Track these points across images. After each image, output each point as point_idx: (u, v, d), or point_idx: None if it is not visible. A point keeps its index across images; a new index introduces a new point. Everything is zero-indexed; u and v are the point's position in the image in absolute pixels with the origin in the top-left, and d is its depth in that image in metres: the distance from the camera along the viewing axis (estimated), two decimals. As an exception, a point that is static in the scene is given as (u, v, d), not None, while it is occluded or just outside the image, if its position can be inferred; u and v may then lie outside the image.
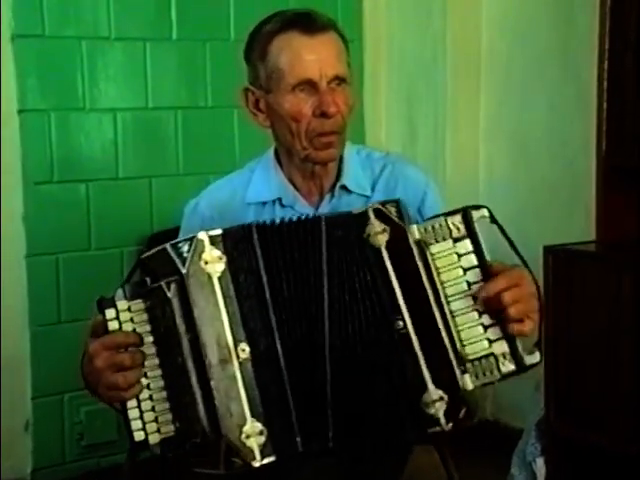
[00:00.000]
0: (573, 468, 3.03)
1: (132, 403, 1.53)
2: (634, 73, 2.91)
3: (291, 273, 1.57)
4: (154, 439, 1.53)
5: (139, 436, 1.52)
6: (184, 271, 1.51)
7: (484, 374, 1.52)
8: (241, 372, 1.50)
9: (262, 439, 1.50)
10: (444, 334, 1.51)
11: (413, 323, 1.51)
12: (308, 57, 1.78)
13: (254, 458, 1.50)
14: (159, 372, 1.53)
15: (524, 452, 3.13)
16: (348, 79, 1.83)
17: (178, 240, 1.54)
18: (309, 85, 1.79)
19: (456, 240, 1.54)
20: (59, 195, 3.22)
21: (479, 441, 3.44)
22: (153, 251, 1.56)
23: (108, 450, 3.30)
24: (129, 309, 1.54)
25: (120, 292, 1.54)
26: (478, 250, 1.54)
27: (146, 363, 1.53)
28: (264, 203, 1.92)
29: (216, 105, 3.44)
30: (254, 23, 1.90)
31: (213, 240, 1.53)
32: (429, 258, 1.53)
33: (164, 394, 1.53)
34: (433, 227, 1.55)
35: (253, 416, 1.50)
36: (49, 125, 3.18)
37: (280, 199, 1.91)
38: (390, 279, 1.52)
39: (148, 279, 1.54)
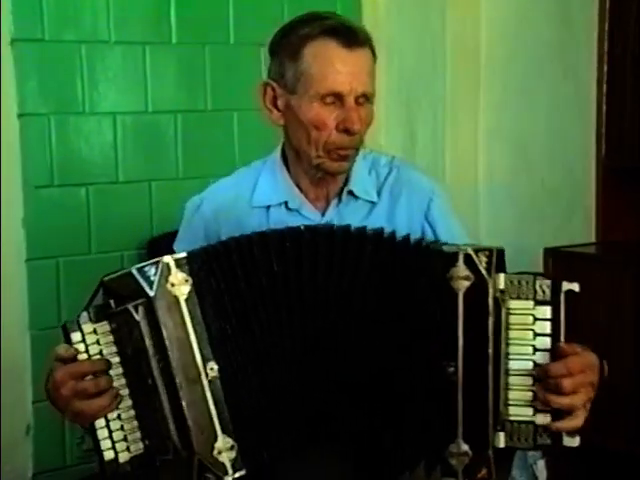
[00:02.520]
0: (574, 470, 3.03)
1: (100, 423, 1.56)
2: (633, 75, 2.92)
3: (291, 291, 1.57)
4: (124, 457, 1.56)
5: (109, 455, 1.56)
6: (152, 294, 1.51)
7: (519, 439, 1.52)
8: (211, 390, 1.53)
9: (233, 454, 1.54)
10: (490, 395, 1.50)
11: (464, 374, 1.50)
12: (342, 70, 1.75)
13: (226, 473, 1.54)
14: (127, 392, 1.56)
15: (525, 454, 3.13)
16: (372, 98, 1.81)
17: (143, 264, 1.54)
18: (337, 97, 1.76)
19: (538, 303, 1.51)
20: (59, 199, 3.21)
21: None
22: (117, 274, 1.56)
23: (109, 454, 3.30)
24: (95, 331, 1.55)
25: (85, 315, 1.55)
26: (556, 320, 1.52)
27: (114, 383, 1.55)
28: (269, 207, 1.90)
29: (216, 108, 3.44)
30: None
31: (178, 263, 1.54)
32: (503, 314, 1.50)
33: (132, 413, 1.56)
34: (519, 282, 1.51)
35: (224, 432, 1.54)
36: (49, 129, 3.18)
37: (286, 202, 1.89)
38: (457, 325, 1.50)
39: (112, 301, 1.55)
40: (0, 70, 3.05)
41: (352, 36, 1.77)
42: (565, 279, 2.90)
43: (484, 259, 1.51)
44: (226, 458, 1.53)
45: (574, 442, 1.53)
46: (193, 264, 1.55)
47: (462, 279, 1.50)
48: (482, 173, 3.80)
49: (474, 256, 1.51)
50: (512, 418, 1.51)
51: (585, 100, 3.19)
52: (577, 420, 1.52)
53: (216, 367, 1.54)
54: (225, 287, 1.56)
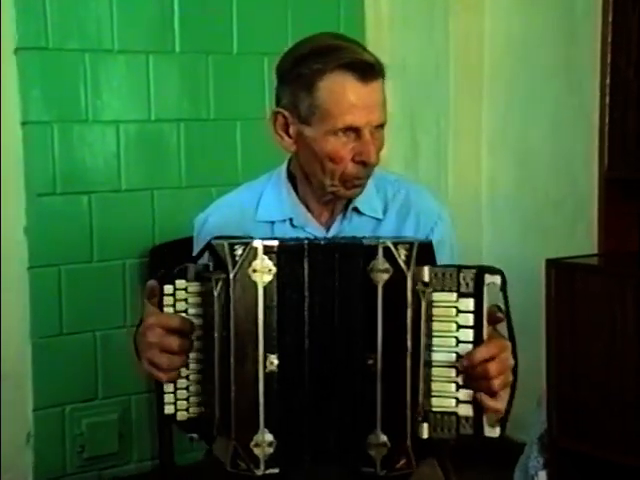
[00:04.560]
0: (575, 482, 3.03)
1: None
2: (636, 88, 2.92)
3: (322, 295, 1.59)
4: (182, 416, 1.59)
5: (169, 409, 1.58)
6: (231, 275, 1.54)
7: (442, 429, 1.55)
8: (265, 382, 1.54)
9: (270, 450, 1.55)
10: (409, 387, 1.53)
11: (383, 366, 1.53)
12: (359, 104, 1.76)
13: (258, 467, 1.54)
14: (200, 356, 1.58)
15: (526, 466, 3.13)
16: (385, 124, 1.83)
17: (237, 240, 1.56)
18: (353, 131, 1.78)
19: (461, 295, 1.54)
20: (62, 207, 3.21)
21: (481, 454, 3.44)
22: (220, 240, 1.58)
23: (109, 462, 3.30)
24: (186, 289, 1.58)
25: (183, 271, 1.59)
26: (478, 312, 1.54)
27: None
28: (273, 222, 1.92)
29: (219, 117, 3.44)
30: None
31: (267, 250, 1.55)
32: (423, 307, 1.53)
33: (200, 377, 1.58)
34: (444, 274, 1.54)
35: (267, 426, 1.54)
36: (52, 137, 3.18)
37: (291, 219, 1.90)
38: (377, 317, 1.54)
39: (211, 264, 1.57)
40: (3, 78, 3.06)
41: (368, 70, 1.77)
42: (568, 291, 2.93)
43: (403, 252, 1.53)
44: (261, 453, 1.54)
45: (495, 432, 1.55)
46: (282, 255, 1.56)
47: (381, 272, 1.53)
48: (485, 185, 3.80)
49: (393, 249, 1.54)
50: (435, 409, 1.54)
51: (588, 112, 3.19)
52: (501, 403, 1.54)
53: (276, 362, 1.54)
54: (307, 284, 1.57)
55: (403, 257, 1.53)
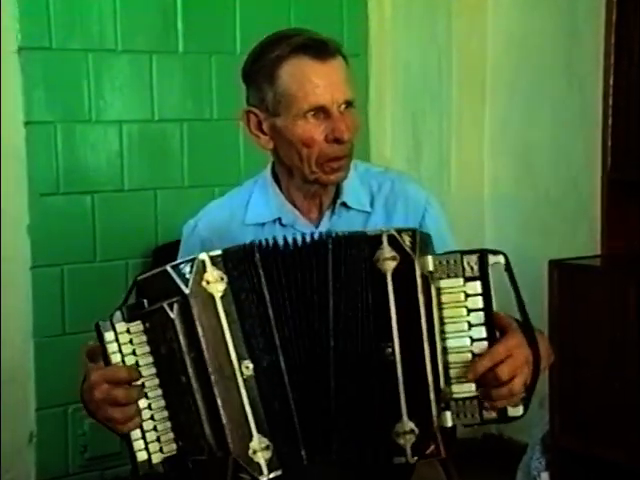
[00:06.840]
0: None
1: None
2: (639, 89, 2.92)
3: (294, 292, 1.58)
4: (157, 458, 1.55)
5: (142, 456, 1.54)
6: (187, 291, 1.52)
7: (465, 415, 1.53)
8: (246, 389, 1.53)
9: (268, 454, 1.54)
10: (429, 370, 1.52)
11: (401, 353, 1.53)
12: (320, 83, 1.78)
13: (262, 473, 1.53)
14: (160, 392, 1.55)
15: (529, 466, 3.13)
16: (354, 102, 1.84)
17: (179, 262, 1.55)
18: (321, 111, 1.79)
19: (467, 279, 1.53)
20: (64, 206, 3.22)
21: (484, 455, 3.44)
22: (151, 273, 1.56)
23: (112, 462, 3.29)
24: (128, 331, 1.54)
25: (118, 314, 1.54)
26: (486, 294, 1.53)
27: (147, 384, 1.55)
28: (263, 224, 1.92)
29: (221, 118, 3.45)
30: (260, 37, 1.89)
31: (214, 260, 1.54)
32: (433, 293, 1.53)
33: (165, 413, 1.55)
34: (447, 261, 1.54)
35: (259, 432, 1.54)
36: (55, 137, 3.19)
37: (280, 219, 1.91)
38: (389, 306, 1.53)
39: (145, 301, 1.55)
40: (4, 78, 3.06)
41: (322, 48, 1.79)
42: (570, 292, 2.93)
43: (408, 239, 1.54)
44: (261, 458, 1.53)
45: (518, 411, 1.54)
46: (228, 262, 1.55)
47: (388, 260, 1.53)
48: (487, 184, 3.80)
49: (397, 236, 1.54)
50: (456, 396, 1.53)
51: (590, 113, 3.19)
52: (515, 398, 1.53)
53: (251, 366, 1.54)
54: (259, 286, 1.57)
55: (408, 244, 1.53)
